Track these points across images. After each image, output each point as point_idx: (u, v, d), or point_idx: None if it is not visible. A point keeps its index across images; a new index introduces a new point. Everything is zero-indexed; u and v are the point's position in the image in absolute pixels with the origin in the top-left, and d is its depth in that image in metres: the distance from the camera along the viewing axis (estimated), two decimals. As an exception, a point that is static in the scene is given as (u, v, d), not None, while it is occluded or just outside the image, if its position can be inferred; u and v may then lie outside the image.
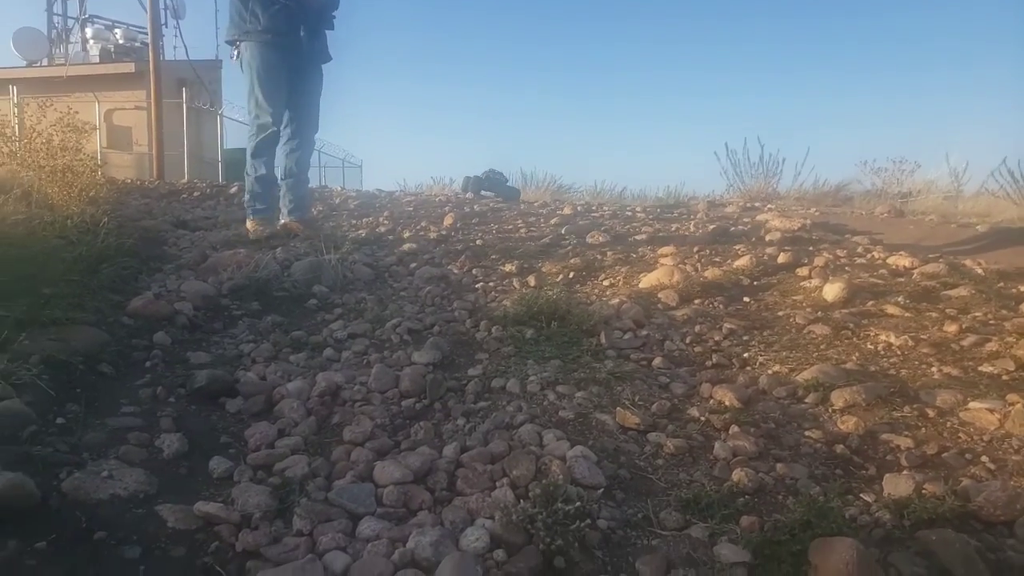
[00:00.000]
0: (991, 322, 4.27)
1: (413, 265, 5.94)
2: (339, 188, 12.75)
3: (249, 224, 6.49)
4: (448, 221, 8.11)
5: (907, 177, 10.74)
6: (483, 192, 11.70)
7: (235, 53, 6.12)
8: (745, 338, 4.18)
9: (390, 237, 7.25)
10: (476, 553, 2.03)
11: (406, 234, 7.28)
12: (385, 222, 8.18)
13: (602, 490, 2.44)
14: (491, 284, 5.43)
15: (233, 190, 11.09)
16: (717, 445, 2.77)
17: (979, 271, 5.65)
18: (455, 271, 5.80)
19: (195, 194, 11.01)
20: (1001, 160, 8.61)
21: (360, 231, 7.57)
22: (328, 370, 3.51)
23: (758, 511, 2.34)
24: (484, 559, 2.02)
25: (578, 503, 2.20)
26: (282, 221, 6.63)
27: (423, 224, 8.03)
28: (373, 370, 3.38)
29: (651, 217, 8.85)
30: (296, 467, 2.50)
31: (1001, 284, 5.26)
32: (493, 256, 6.30)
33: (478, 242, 6.89)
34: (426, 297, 5.03)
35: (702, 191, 12.69)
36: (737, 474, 2.52)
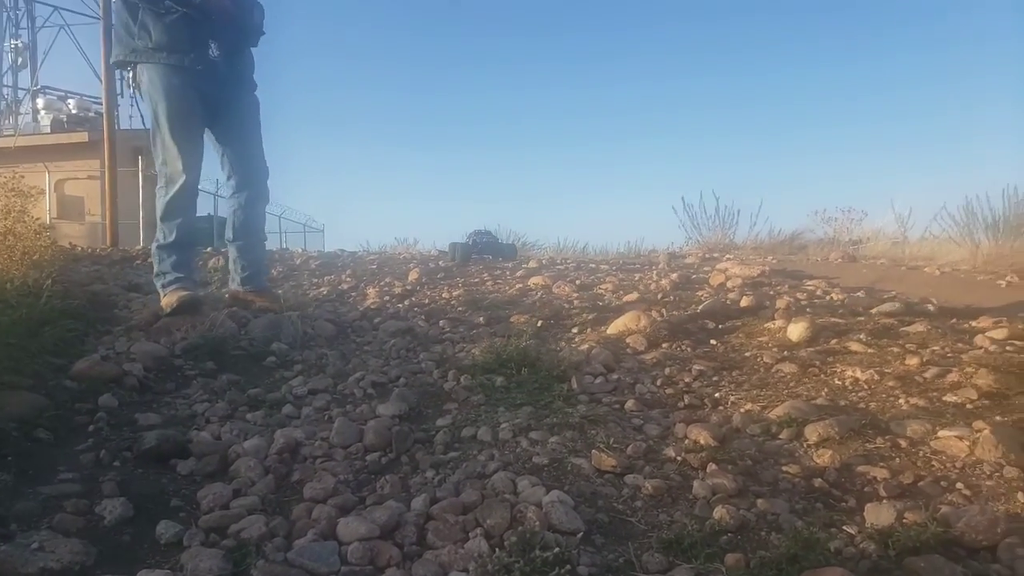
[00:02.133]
0: (949, 355, 4.33)
1: (377, 320, 5.83)
2: (300, 249, 12.63)
3: (164, 300, 5.09)
4: (413, 276, 8.04)
5: (856, 225, 11.10)
6: (476, 257, 10.11)
7: (128, 78, 4.76)
8: (715, 379, 4.15)
9: (353, 294, 7.15)
10: (450, 607, 1.90)
11: (370, 290, 7.18)
12: (348, 280, 8.08)
13: (581, 535, 2.33)
14: (459, 335, 5.35)
15: (189, 254, 10.88)
16: (696, 484, 2.69)
17: (932, 308, 5.77)
18: (421, 324, 5.70)
19: (149, 260, 10.73)
20: (941, 205, 8.96)
21: (322, 289, 7.46)
22: (287, 427, 3.36)
23: (742, 548, 2.25)
24: (458, 613, 1.89)
25: (556, 550, 2.09)
26: (232, 288, 5.62)
27: (387, 280, 7.95)
28: (335, 424, 3.24)
29: (614, 268, 8.92)
30: (252, 528, 2.34)
31: (954, 320, 5.37)
32: (460, 308, 6.23)
33: (444, 295, 6.83)
34: (391, 350, 4.91)
35: (661, 245, 12.90)
36: (719, 512, 2.43)
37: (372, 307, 6.29)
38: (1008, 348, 4.49)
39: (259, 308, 5.21)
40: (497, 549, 2.20)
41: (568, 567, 2.03)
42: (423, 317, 5.85)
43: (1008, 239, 7.78)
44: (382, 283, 7.68)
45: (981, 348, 4.49)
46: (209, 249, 11.01)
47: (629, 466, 2.90)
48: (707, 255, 10.83)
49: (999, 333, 4.89)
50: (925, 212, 9.94)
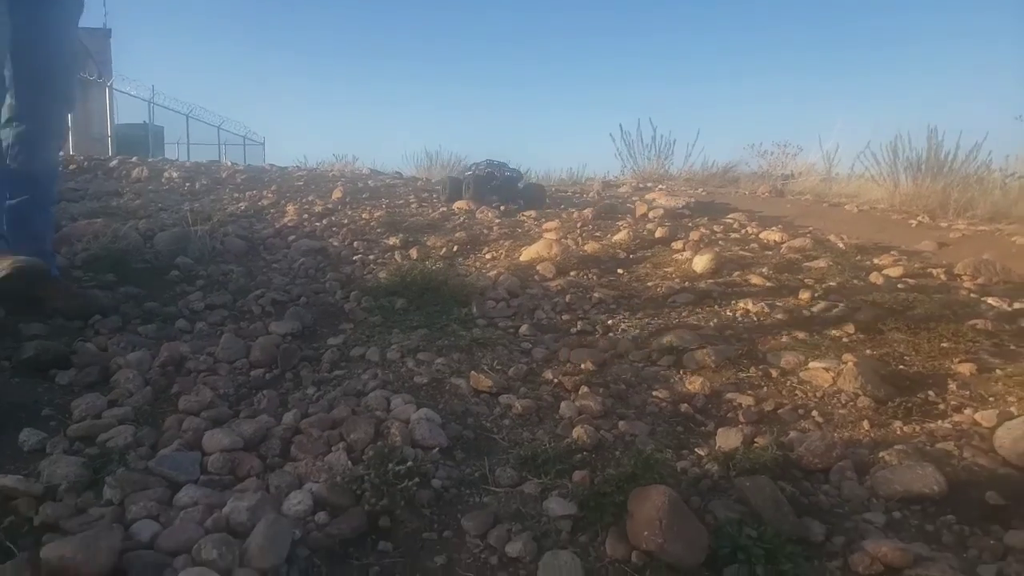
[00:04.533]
0: (842, 291, 4.51)
1: (292, 238, 5.74)
2: (230, 163, 12.23)
3: None
4: (337, 195, 7.90)
5: (790, 160, 11.26)
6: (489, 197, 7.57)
7: None
8: (613, 306, 4.25)
9: (272, 211, 6.99)
10: (296, 516, 1.96)
11: (290, 208, 7.03)
12: (270, 196, 7.89)
13: (441, 450, 2.41)
14: (371, 257, 5.31)
15: (114, 163, 10.45)
16: (564, 405, 2.80)
17: (841, 245, 5.97)
18: (335, 244, 5.65)
19: (71, 167, 10.28)
20: (865, 144, 9.11)
21: (241, 204, 7.26)
22: (177, 341, 3.33)
23: (593, 466, 2.36)
24: (305, 522, 1.96)
25: (410, 463, 2.16)
26: None
27: (310, 198, 7.79)
28: (222, 339, 3.23)
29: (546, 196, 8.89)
30: (119, 437, 2.35)
31: (859, 257, 5.58)
32: (379, 230, 6.17)
33: (364, 216, 6.74)
34: (299, 269, 4.87)
35: (602, 172, 12.91)
36: (577, 431, 2.54)
37: (289, 225, 6.18)
38: (899, 286, 4.71)
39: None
40: (357, 463, 2.26)
41: (418, 479, 2.11)
42: (339, 237, 5.79)
43: (926, 180, 8.02)
44: (304, 201, 7.53)
45: (873, 285, 4.70)
46: (161, 159, 10.59)
47: (506, 387, 2.99)
48: (641, 184, 10.90)
49: (895, 271, 5.12)
50: (858, 148, 10.11)
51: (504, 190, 7.66)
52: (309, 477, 2.18)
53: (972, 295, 4.54)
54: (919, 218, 7.16)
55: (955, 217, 7.09)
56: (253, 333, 3.46)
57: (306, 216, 6.70)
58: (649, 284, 4.73)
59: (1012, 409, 2.86)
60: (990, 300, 4.44)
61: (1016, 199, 7.53)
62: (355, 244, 5.62)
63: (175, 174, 9.52)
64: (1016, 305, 4.36)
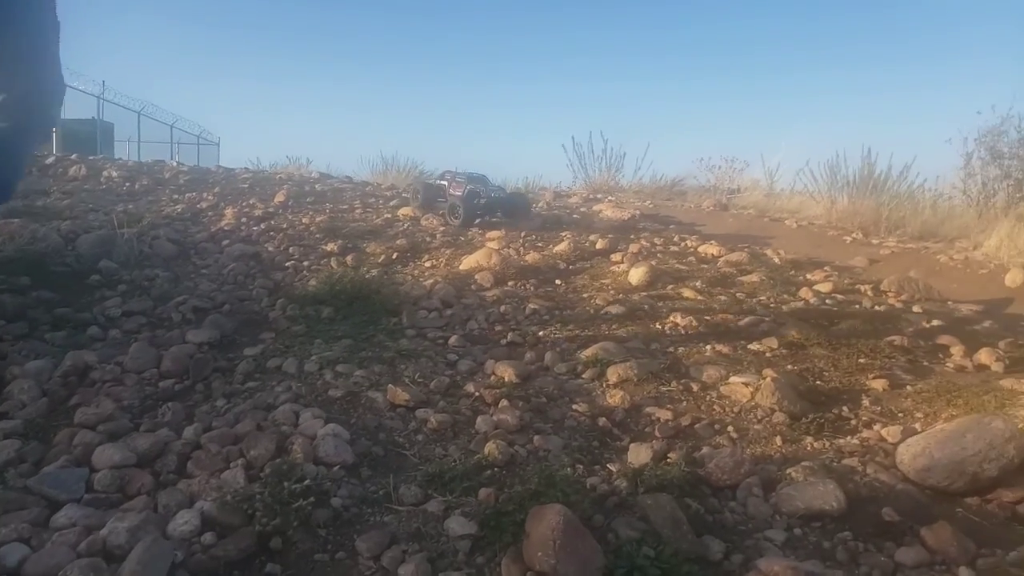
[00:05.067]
0: (771, 305, 4.58)
1: (226, 242, 5.61)
2: (174, 163, 11.92)
3: None
4: (279, 199, 7.75)
5: (737, 174, 11.45)
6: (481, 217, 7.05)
7: None
8: (546, 317, 4.23)
9: (211, 213, 6.83)
10: (181, 537, 1.89)
11: (228, 211, 6.87)
12: (210, 198, 7.70)
13: (346, 467, 2.35)
14: (306, 263, 5.21)
15: (50, 160, 10.10)
16: (480, 420, 2.77)
17: (776, 260, 6.08)
18: (271, 249, 5.53)
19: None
20: (805, 162, 9.33)
21: (178, 206, 7.08)
22: (85, 349, 3.21)
23: (501, 483, 2.33)
24: (190, 543, 1.88)
25: (308, 481, 2.10)
26: None
27: (251, 201, 7.63)
28: (132, 348, 3.12)
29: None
30: (1, 453, 2.24)
31: (793, 271, 5.68)
32: (318, 235, 6.07)
33: (305, 221, 6.62)
34: (229, 275, 4.75)
35: (558, 182, 12.93)
36: (489, 447, 2.51)
37: (226, 228, 6.04)
38: (827, 301, 4.80)
39: None
40: (252, 480, 2.19)
41: (313, 499, 2.05)
42: (275, 242, 5.68)
43: (861, 198, 8.23)
44: (245, 204, 7.38)
45: (802, 300, 4.79)
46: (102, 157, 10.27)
47: (425, 400, 2.94)
48: (591, 195, 10.96)
49: (825, 286, 5.22)
50: (801, 165, 10.30)
51: (492, 209, 7.09)
52: (201, 495, 2.10)
53: (895, 311, 4.66)
54: (854, 235, 7.34)
55: (886, 234, 7.29)
56: (168, 342, 3.36)
57: (244, 220, 6.56)
58: (585, 296, 4.74)
59: (916, 425, 2.93)
60: (911, 316, 4.56)
61: (945, 218, 7.78)
62: (291, 250, 5.51)
63: (115, 173, 9.24)
64: (934, 322, 4.48)
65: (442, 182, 7.47)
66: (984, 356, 3.84)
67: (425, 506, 2.20)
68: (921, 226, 7.59)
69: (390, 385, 2.96)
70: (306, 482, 2.09)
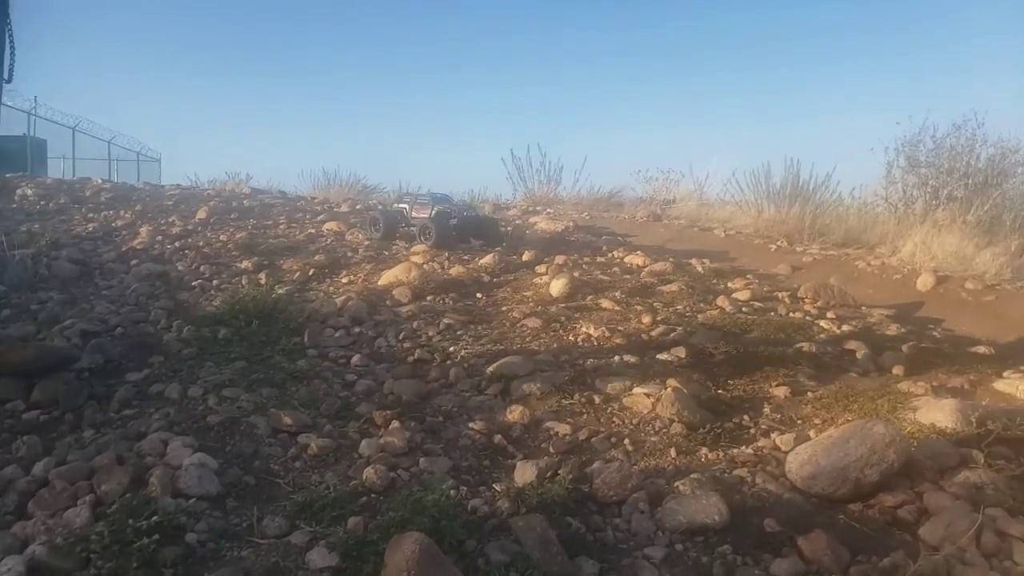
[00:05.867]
0: (687, 314, 4.58)
1: (135, 262, 5.39)
2: (99, 180, 11.49)
3: None
4: (201, 215, 7.52)
5: (673, 186, 11.57)
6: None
7: None
8: (460, 332, 4.15)
9: (125, 232, 6.58)
10: (4, 586, 1.74)
11: (143, 229, 6.63)
12: (128, 216, 7.44)
13: (211, 499, 2.22)
14: (215, 282, 5.03)
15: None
16: (365, 443, 2.65)
17: (700, 269, 6.12)
18: (180, 268, 5.34)
19: None
20: (731, 172, 9.50)
21: (91, 225, 6.81)
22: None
23: (374, 511, 2.23)
24: (14, 591, 1.73)
25: (156, 517, 1.97)
26: None
27: (171, 219, 7.38)
28: (-3, 378, 2.93)
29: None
30: None
31: (715, 280, 5.72)
32: (234, 252, 5.89)
33: (223, 238, 6.42)
34: (131, 296, 4.55)
35: (498, 194, 12.89)
36: (368, 472, 2.41)
37: (138, 247, 5.82)
38: (743, 310, 4.83)
39: None
40: (99, 518, 2.05)
41: (157, 537, 1.91)
42: (187, 260, 5.48)
43: (786, 207, 8.38)
44: (164, 222, 7.14)
45: (718, 309, 4.80)
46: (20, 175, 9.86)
47: (311, 424, 2.82)
48: (531, 207, 10.96)
49: (743, 294, 5.26)
50: (741, 175, 10.49)
51: (465, 231, 6.67)
52: (37, 537, 1.95)
53: (808, 318, 4.71)
54: (779, 243, 7.46)
55: (810, 242, 7.43)
56: (43, 369, 3.16)
57: (160, 238, 6.33)
58: (504, 308, 4.67)
59: (812, 432, 2.92)
60: (823, 323, 4.60)
61: (868, 225, 7.97)
62: (202, 268, 5.32)
63: (30, 192, 8.87)
64: (845, 327, 4.54)
65: (402, 206, 7.10)
66: (886, 360, 3.90)
67: (289, 538, 2.08)
68: (845, 233, 7.76)
69: (273, 409, 2.84)
70: (155, 518, 1.95)
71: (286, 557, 1.99)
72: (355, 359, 3.62)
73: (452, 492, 2.36)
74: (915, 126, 8.32)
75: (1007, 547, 2.19)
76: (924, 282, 5.85)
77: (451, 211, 6.65)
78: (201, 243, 6.17)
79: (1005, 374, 3.79)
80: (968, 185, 7.85)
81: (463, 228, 6.60)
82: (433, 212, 6.56)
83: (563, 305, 4.69)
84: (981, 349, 4.40)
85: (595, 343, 4.00)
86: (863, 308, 5.22)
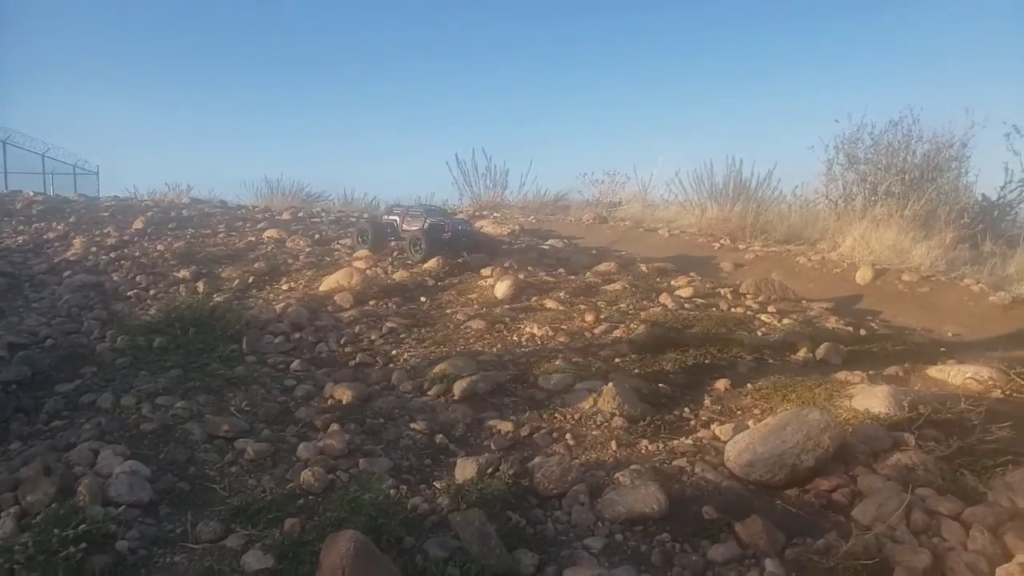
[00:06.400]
0: (630, 312, 4.64)
1: (68, 273, 5.21)
2: (31, 193, 11.07)
3: None
4: (138, 225, 7.31)
5: (620, 188, 11.69)
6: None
7: None
8: (402, 336, 4.12)
9: (57, 244, 6.36)
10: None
11: (77, 240, 6.41)
12: (61, 228, 7.18)
13: (143, 506, 2.16)
14: (152, 292, 4.89)
15: None
16: (303, 447, 2.62)
17: (644, 268, 6.20)
18: (116, 278, 5.18)
19: None
20: (674, 173, 9.64)
21: (21, 237, 6.56)
22: None
23: (312, 512, 2.19)
24: (-74, 609, 1.65)
25: (85, 526, 1.90)
26: None
27: (107, 230, 7.15)
28: (-87, 392, 2.79)
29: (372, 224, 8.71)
30: None
31: (658, 279, 5.80)
32: (172, 262, 5.74)
33: (160, 248, 6.25)
34: (63, 307, 4.39)
35: (445, 200, 12.85)
36: (306, 475, 2.37)
37: (71, 258, 5.63)
38: (686, 306, 4.90)
39: None
40: (25, 529, 1.97)
41: (85, 545, 1.85)
42: (123, 271, 5.32)
43: (728, 205, 8.56)
44: (99, 233, 6.93)
45: (661, 306, 4.88)
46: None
47: (247, 430, 2.76)
48: (478, 212, 10.95)
49: (686, 291, 5.34)
50: (684, 176, 10.65)
51: (458, 245, 6.22)
52: (-46, 553, 1.86)
53: (749, 313, 4.81)
54: (722, 240, 7.61)
55: (752, 239, 7.59)
56: (-35, 383, 3.04)
57: (95, 249, 6.13)
58: (448, 311, 4.66)
59: (750, 423, 2.99)
60: (764, 317, 4.72)
61: (809, 222, 8.19)
62: (138, 278, 5.17)
63: (-45, 205, 8.50)
64: (785, 321, 4.66)
65: (392, 218, 6.73)
66: (824, 351, 4.00)
67: (224, 542, 2.03)
68: (787, 230, 7.95)
69: (209, 416, 2.78)
70: (82, 527, 1.88)
71: (221, 561, 1.94)
72: (295, 364, 3.57)
73: (392, 491, 2.35)
74: (854, 123, 8.55)
75: (935, 524, 2.28)
76: (863, 275, 6.04)
77: (444, 224, 6.32)
78: (137, 253, 6.00)
79: (938, 361, 3.96)
80: (905, 180, 8.12)
81: (456, 242, 6.23)
82: (425, 225, 6.26)
83: (508, 306, 4.70)
84: (916, 338, 4.57)
85: (539, 342, 4.02)
86: (804, 302, 5.36)
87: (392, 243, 6.45)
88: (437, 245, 6.01)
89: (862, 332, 4.54)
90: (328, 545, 1.80)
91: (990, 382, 3.52)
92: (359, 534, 1.81)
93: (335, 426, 2.80)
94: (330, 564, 1.74)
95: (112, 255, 5.89)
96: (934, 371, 3.78)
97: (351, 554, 1.74)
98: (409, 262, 5.87)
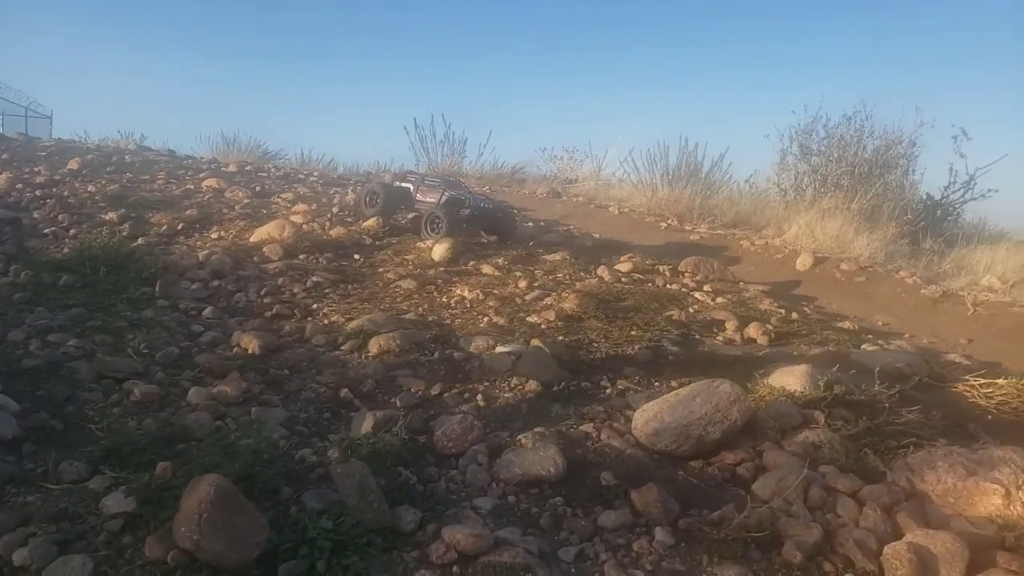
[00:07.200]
0: (565, 282, 4.58)
1: (-17, 208, 4.94)
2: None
3: None
4: (72, 166, 7.00)
5: (577, 165, 11.61)
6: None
7: None
8: (327, 291, 4.00)
9: (-20, 180, 6.03)
10: None
11: (3, 175, 6.09)
12: (-14, 165, 6.83)
13: (5, 442, 2.03)
14: (72, 232, 4.67)
15: None
16: (194, 391, 2.49)
17: (588, 243, 6.16)
18: (36, 215, 4.93)
19: None
20: (628, 152, 9.59)
21: (-60, 173, 6.21)
22: None
23: (187, 457, 2.08)
24: None
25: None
26: None
27: (38, 168, 6.82)
28: None
29: (321, 182, 8.50)
30: None
31: (600, 253, 5.75)
32: (102, 203, 5.48)
33: (91, 188, 5.98)
34: (-31, 241, 4.16)
35: (401, 165, 12.61)
36: (189, 419, 2.26)
37: (-11, 195, 5.33)
38: (622, 280, 4.86)
39: None
40: None
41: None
42: (45, 208, 5.07)
43: (680, 187, 8.56)
44: (29, 171, 6.61)
45: (597, 278, 4.83)
46: None
47: (143, 372, 2.63)
48: (433, 179, 10.77)
49: (625, 266, 5.30)
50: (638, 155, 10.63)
51: (478, 223, 5.79)
52: None
53: (684, 290, 4.79)
54: (669, 221, 7.60)
55: (699, 221, 7.60)
56: None
57: (20, 186, 5.83)
58: (380, 270, 4.54)
59: (664, 393, 2.95)
60: (698, 295, 4.70)
61: (758, 208, 8.23)
62: (60, 217, 4.93)
63: None
64: (719, 299, 4.64)
65: (406, 184, 6.18)
66: (753, 330, 4.01)
67: (87, 483, 1.92)
68: (735, 215, 7.98)
69: (98, 356, 2.63)
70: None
71: (78, 503, 1.82)
72: (207, 311, 3.43)
73: (282, 441, 2.25)
74: (809, 115, 8.58)
75: (832, 501, 2.27)
76: (803, 262, 6.09)
77: (464, 198, 5.87)
78: (66, 193, 5.73)
79: (864, 346, 3.99)
80: (854, 174, 8.20)
81: (475, 220, 5.77)
82: (443, 199, 5.80)
83: (443, 269, 4.60)
84: (846, 324, 4.61)
85: (468, 305, 3.93)
86: (741, 284, 5.37)
87: (403, 212, 5.96)
88: (456, 223, 5.41)
89: (794, 316, 4.56)
90: (189, 489, 1.70)
91: (908, 369, 3.54)
92: (222, 479, 1.71)
93: (234, 373, 2.67)
94: (188, 508, 1.64)
95: (38, 193, 5.62)
96: (857, 355, 3.80)
97: (210, 499, 1.64)
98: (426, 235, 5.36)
